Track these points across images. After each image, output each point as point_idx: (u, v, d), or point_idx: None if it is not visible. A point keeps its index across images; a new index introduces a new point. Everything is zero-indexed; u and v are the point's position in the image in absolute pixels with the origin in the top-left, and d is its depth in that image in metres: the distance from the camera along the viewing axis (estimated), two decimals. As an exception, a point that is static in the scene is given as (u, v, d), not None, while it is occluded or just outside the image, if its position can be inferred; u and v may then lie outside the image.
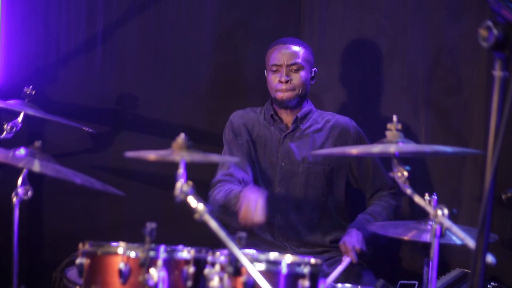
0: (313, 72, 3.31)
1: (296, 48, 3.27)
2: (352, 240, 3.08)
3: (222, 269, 2.04)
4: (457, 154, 3.19)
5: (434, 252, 2.12)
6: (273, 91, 3.27)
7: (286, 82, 3.22)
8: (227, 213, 3.14)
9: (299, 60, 3.24)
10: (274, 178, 3.27)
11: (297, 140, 3.29)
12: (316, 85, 3.41)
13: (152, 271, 2.10)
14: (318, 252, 3.22)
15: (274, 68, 3.25)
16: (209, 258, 2.10)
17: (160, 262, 2.11)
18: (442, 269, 2.99)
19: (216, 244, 2.09)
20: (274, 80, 3.26)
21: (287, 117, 3.32)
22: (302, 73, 3.24)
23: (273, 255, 2.15)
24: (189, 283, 2.14)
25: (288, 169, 3.26)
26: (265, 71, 3.34)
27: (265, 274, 2.00)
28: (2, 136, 3.15)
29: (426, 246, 2.44)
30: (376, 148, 2.32)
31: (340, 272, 2.91)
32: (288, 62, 3.23)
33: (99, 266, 2.20)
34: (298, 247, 3.22)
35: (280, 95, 3.24)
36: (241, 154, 3.28)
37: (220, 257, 2.07)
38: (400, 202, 3.34)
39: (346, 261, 3.03)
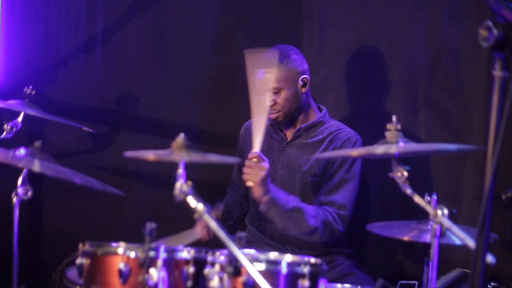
0: (300, 81, 3.20)
1: (268, 74, 3.15)
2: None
3: (222, 269, 2.04)
4: (458, 151, 3.18)
5: (434, 252, 2.12)
6: None
7: (272, 105, 3.16)
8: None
9: (275, 85, 3.14)
10: None
11: (297, 150, 3.24)
12: (316, 85, 3.41)
13: (152, 271, 2.10)
14: (319, 254, 3.19)
15: (260, 93, 3.18)
16: (209, 258, 2.10)
17: (160, 262, 2.11)
18: (442, 269, 2.99)
19: (216, 244, 2.09)
20: (265, 102, 3.19)
21: (288, 129, 3.28)
22: (283, 94, 3.16)
23: (273, 255, 2.15)
24: (189, 283, 2.14)
25: (286, 178, 3.23)
26: None
27: (265, 274, 2.00)
28: (2, 136, 3.15)
29: (426, 246, 2.44)
30: (378, 149, 2.31)
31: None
32: (265, 88, 3.15)
33: (99, 266, 2.20)
34: (300, 249, 3.21)
35: (271, 117, 3.19)
36: (237, 170, 3.39)
37: (220, 257, 2.07)
38: (339, 226, 3.10)
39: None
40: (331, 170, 3.19)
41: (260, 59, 3.20)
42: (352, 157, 3.16)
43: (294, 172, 3.22)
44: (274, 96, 3.15)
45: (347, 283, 3.02)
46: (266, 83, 3.14)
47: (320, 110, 3.32)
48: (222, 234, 1.98)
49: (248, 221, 3.36)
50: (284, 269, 2.06)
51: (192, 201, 2.03)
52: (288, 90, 3.17)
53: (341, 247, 3.27)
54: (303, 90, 3.21)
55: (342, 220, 3.11)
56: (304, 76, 3.21)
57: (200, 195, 2.05)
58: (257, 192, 3.00)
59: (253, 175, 2.97)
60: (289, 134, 3.28)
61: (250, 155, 2.98)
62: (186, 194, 2.03)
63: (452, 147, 2.47)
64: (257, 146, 2.97)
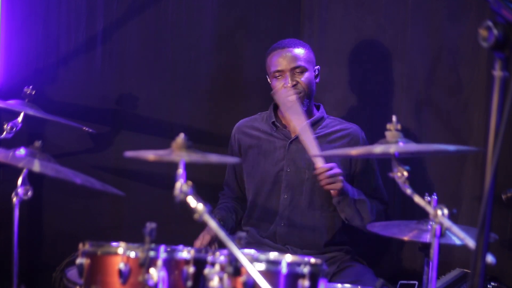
0: (316, 70, 3.27)
1: (296, 50, 3.20)
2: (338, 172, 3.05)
3: (222, 269, 2.04)
4: (457, 152, 3.18)
5: (434, 252, 2.12)
6: None
7: (293, 86, 3.16)
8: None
9: (301, 63, 3.18)
10: (279, 184, 3.22)
11: (304, 146, 3.20)
12: (316, 85, 3.40)
13: (152, 271, 2.10)
14: (320, 252, 3.20)
15: (277, 74, 3.19)
16: (209, 258, 2.10)
17: (160, 262, 2.11)
18: (442, 269, 2.99)
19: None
20: (279, 86, 3.18)
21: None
22: (307, 74, 3.19)
23: (273, 255, 2.15)
24: (189, 283, 2.14)
25: (293, 176, 3.21)
26: (267, 77, 3.30)
27: (265, 274, 2.00)
28: (2, 136, 3.15)
29: (426, 246, 2.44)
30: (377, 149, 2.32)
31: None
32: (291, 66, 3.17)
33: (99, 266, 2.20)
34: (301, 248, 3.20)
35: (291, 98, 3.15)
36: (231, 171, 3.41)
37: (220, 257, 2.07)
38: (386, 211, 3.30)
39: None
40: (355, 167, 3.24)
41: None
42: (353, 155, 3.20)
43: (302, 170, 3.21)
44: (297, 76, 3.19)
45: (348, 275, 3.04)
46: (292, 60, 3.18)
47: (317, 107, 3.35)
48: (222, 234, 1.98)
49: (246, 222, 3.34)
50: (284, 269, 2.06)
51: (192, 201, 2.03)
52: (310, 73, 3.22)
53: (342, 245, 3.27)
54: (316, 80, 3.27)
55: (387, 204, 3.31)
56: (317, 66, 3.29)
57: (200, 195, 2.05)
58: (335, 191, 3.07)
59: (334, 184, 3.03)
60: (292, 131, 3.27)
61: (323, 167, 3.01)
62: (186, 194, 2.03)
63: (451, 148, 2.47)
64: (316, 150, 3.02)
